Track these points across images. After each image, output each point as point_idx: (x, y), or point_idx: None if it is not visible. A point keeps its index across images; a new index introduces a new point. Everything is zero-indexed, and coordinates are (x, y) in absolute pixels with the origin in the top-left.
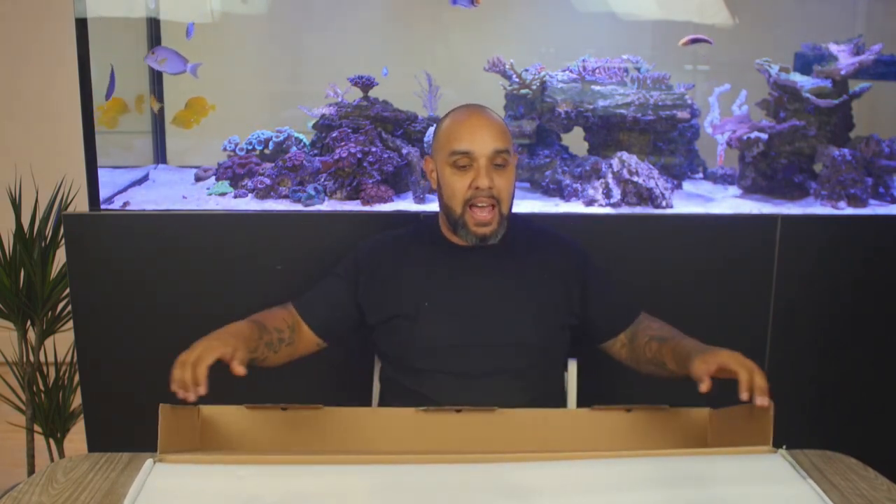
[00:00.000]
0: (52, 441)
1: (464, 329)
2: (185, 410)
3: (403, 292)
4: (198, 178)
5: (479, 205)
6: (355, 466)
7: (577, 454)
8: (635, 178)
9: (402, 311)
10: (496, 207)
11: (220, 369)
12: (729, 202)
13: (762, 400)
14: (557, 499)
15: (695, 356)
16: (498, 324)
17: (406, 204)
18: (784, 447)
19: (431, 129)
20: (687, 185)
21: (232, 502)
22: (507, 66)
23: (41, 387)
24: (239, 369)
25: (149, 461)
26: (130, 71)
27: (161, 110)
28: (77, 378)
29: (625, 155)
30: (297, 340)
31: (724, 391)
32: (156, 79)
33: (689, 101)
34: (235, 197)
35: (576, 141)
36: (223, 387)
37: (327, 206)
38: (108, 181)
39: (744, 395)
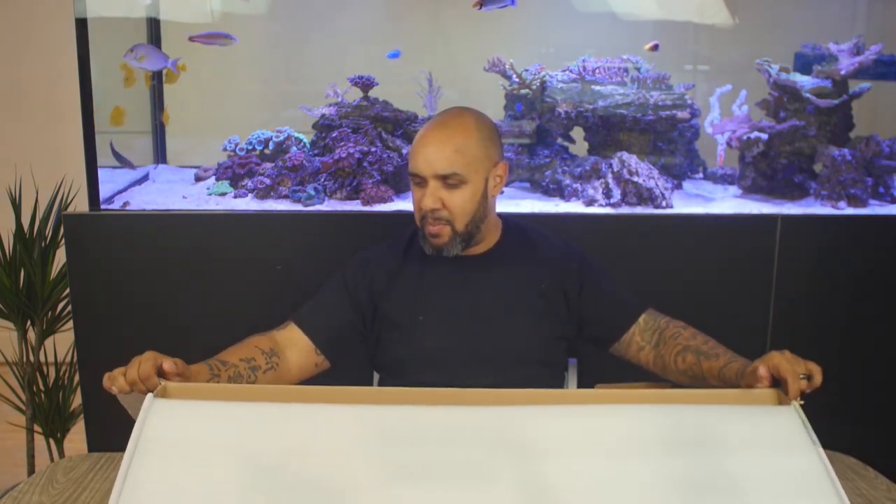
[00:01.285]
0: (52, 441)
1: (461, 342)
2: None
3: (398, 305)
4: (198, 178)
5: (430, 221)
6: (361, 407)
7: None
8: (635, 178)
9: (397, 324)
10: (449, 224)
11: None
12: (729, 202)
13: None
14: (563, 461)
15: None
16: (496, 336)
17: (406, 204)
18: (799, 399)
19: None
20: (687, 185)
21: (230, 455)
22: (507, 66)
23: (41, 387)
24: (168, 365)
25: (149, 396)
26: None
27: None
28: (77, 378)
29: (625, 155)
30: (282, 364)
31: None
32: (155, 79)
33: (689, 101)
34: (235, 197)
35: (576, 141)
36: None
37: (327, 206)
38: (108, 181)
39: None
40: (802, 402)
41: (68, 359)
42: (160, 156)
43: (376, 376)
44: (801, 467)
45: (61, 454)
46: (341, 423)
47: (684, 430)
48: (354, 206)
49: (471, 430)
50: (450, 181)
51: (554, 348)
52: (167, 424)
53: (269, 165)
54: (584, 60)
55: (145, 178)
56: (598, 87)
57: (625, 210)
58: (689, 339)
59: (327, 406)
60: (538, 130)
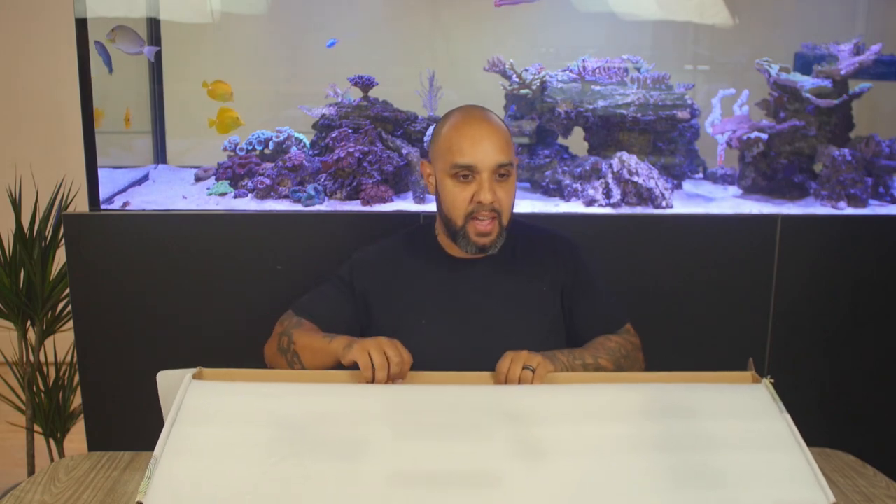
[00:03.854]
0: (52, 441)
1: (465, 346)
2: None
3: (400, 308)
4: (198, 178)
5: (481, 218)
6: (371, 387)
7: (572, 381)
8: (635, 178)
9: (400, 327)
10: (497, 219)
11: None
12: (729, 202)
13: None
14: (552, 425)
15: None
16: (497, 338)
17: (406, 204)
18: (769, 377)
19: (431, 129)
20: (687, 185)
21: (260, 418)
22: (507, 66)
23: (41, 387)
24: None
25: (187, 377)
26: (131, 72)
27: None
28: (77, 378)
29: (625, 155)
30: None
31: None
32: (156, 79)
33: (689, 101)
34: (235, 197)
35: (576, 141)
36: None
37: (327, 206)
38: (108, 181)
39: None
40: (773, 381)
41: (68, 359)
42: (160, 156)
43: None
44: (769, 430)
45: (61, 454)
46: (359, 396)
47: (663, 400)
48: (354, 206)
49: (471, 402)
50: (502, 171)
51: (554, 346)
52: (203, 399)
53: (269, 165)
54: (584, 60)
55: (145, 178)
56: (598, 87)
57: (625, 210)
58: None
59: (347, 385)
60: (538, 130)
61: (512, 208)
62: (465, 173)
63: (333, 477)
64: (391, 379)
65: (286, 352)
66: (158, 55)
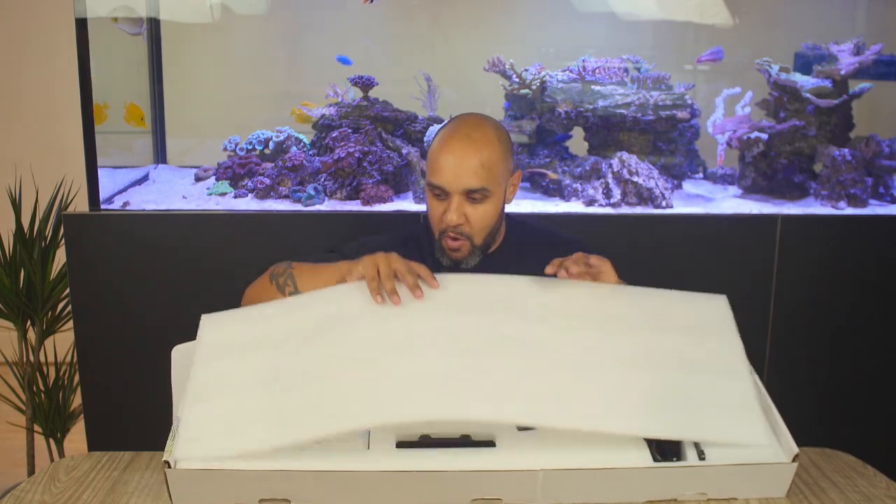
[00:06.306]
0: (52, 441)
1: None
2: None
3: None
4: (198, 178)
5: (451, 236)
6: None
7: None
8: (635, 178)
9: None
10: (469, 240)
11: None
12: (729, 202)
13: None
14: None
15: None
16: None
17: (406, 204)
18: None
19: (432, 129)
20: (687, 185)
21: (278, 335)
22: (507, 66)
23: (41, 387)
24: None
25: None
26: (131, 71)
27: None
28: (77, 378)
29: (625, 155)
30: None
31: None
32: (156, 79)
33: (689, 101)
34: (235, 197)
35: (576, 141)
36: None
37: (327, 206)
38: (108, 181)
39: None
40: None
41: (68, 359)
42: (160, 156)
43: None
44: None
45: (61, 454)
46: (363, 302)
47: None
48: (354, 206)
49: (469, 334)
50: (475, 195)
51: None
52: (219, 332)
53: (269, 165)
54: (584, 60)
55: (145, 178)
56: (598, 87)
57: (625, 210)
58: None
59: (353, 284)
60: (538, 130)
61: (489, 228)
62: (438, 192)
63: (357, 372)
64: (412, 289)
65: (279, 276)
66: (159, 55)
